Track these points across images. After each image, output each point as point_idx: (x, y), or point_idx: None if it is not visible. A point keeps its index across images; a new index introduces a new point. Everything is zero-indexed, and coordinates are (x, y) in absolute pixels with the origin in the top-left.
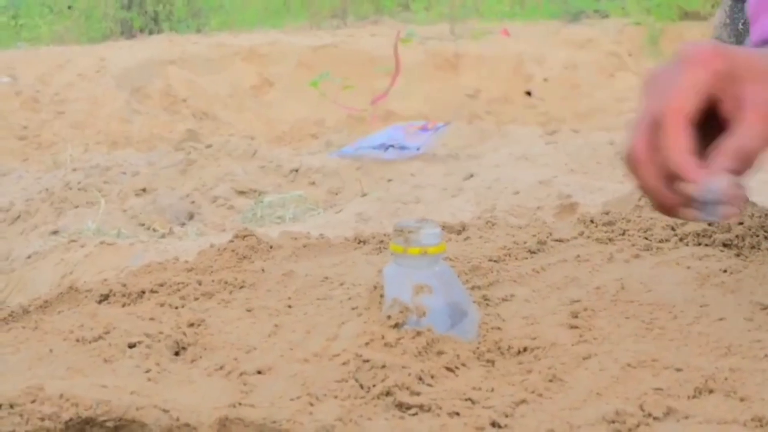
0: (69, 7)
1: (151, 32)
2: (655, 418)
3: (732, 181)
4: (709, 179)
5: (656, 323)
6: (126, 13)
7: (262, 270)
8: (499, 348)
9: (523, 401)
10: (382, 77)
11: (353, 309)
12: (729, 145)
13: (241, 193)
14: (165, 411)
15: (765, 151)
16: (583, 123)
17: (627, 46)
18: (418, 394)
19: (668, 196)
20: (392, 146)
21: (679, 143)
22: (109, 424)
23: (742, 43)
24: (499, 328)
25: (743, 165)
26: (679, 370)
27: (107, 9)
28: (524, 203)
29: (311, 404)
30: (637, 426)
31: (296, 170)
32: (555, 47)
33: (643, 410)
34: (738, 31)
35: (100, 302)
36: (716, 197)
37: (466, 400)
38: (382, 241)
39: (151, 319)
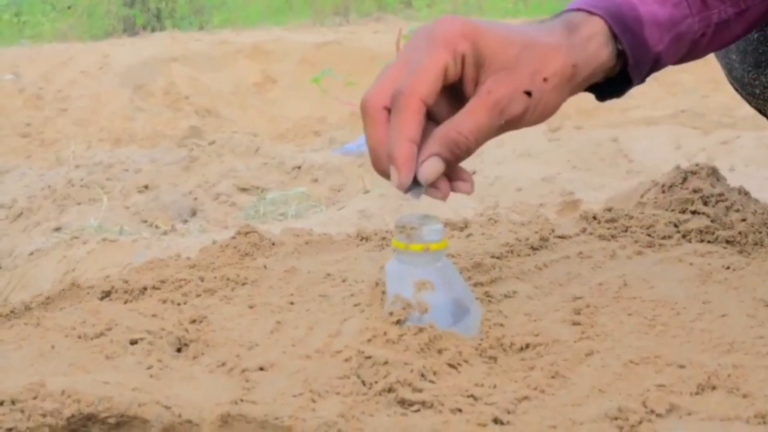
0: (69, 7)
1: (153, 29)
2: (657, 415)
3: (434, 168)
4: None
5: (659, 320)
6: (129, 10)
7: (264, 267)
8: (501, 344)
9: (526, 398)
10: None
11: (355, 305)
12: (440, 132)
13: (244, 190)
14: (167, 407)
15: (481, 143)
16: (586, 120)
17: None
18: (420, 390)
19: (383, 162)
20: None
21: (405, 130)
22: (111, 420)
23: (745, 41)
24: (501, 325)
25: (453, 154)
26: (681, 366)
27: (110, 6)
28: (527, 200)
29: (313, 401)
30: (640, 422)
31: (299, 167)
32: None
33: (645, 407)
34: None
35: (102, 299)
36: (418, 188)
37: (468, 396)
38: (384, 238)
39: (153, 315)
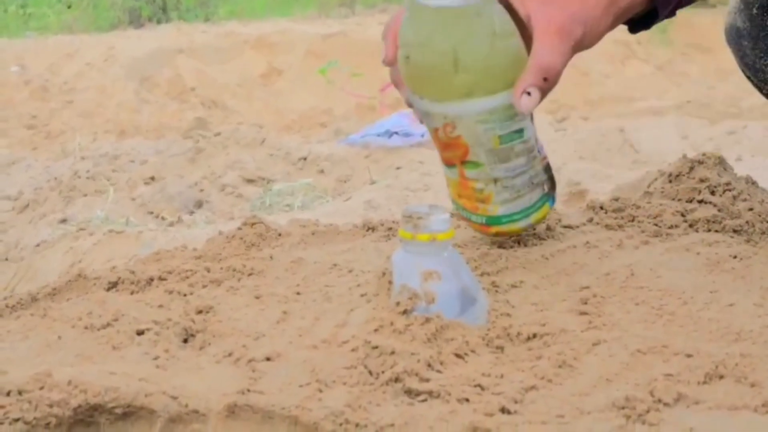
0: (69, 7)
1: (159, 21)
2: (665, 404)
3: (533, 99)
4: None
5: (666, 309)
6: (134, 2)
7: (271, 257)
8: (508, 334)
9: (533, 387)
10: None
11: (362, 296)
12: (530, 64)
13: (250, 181)
14: (173, 398)
15: (563, 66)
16: (592, 111)
17: (637, 35)
18: (427, 380)
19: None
20: (396, 133)
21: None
22: (118, 410)
23: (757, 27)
24: (508, 315)
25: (545, 82)
26: (689, 355)
27: None
28: None
29: (320, 390)
30: (647, 412)
31: (305, 158)
32: None
33: (653, 396)
34: (752, 15)
35: (108, 290)
36: None
37: (475, 386)
38: (390, 228)
39: (160, 306)
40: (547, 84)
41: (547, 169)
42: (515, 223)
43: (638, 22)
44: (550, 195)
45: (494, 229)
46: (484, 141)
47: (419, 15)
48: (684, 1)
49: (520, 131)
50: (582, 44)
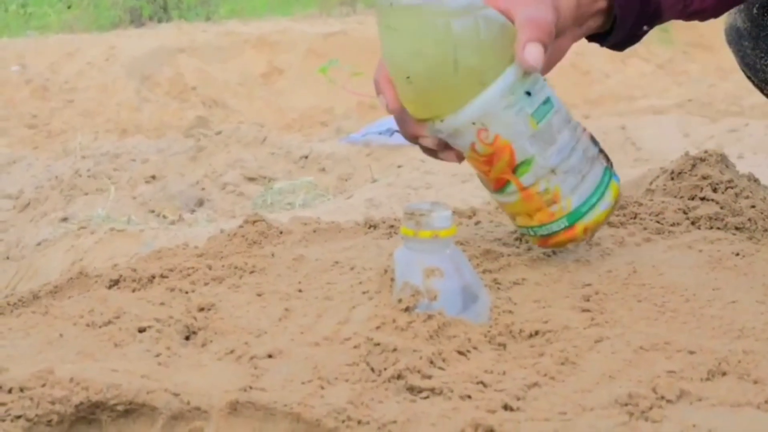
0: (69, 7)
1: (160, 20)
2: (668, 401)
3: (537, 51)
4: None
5: (668, 306)
6: (135, 1)
7: (272, 255)
8: (510, 331)
9: (535, 384)
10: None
11: (364, 293)
12: (519, 24)
13: (251, 179)
14: (175, 395)
15: (551, 16)
16: (593, 109)
17: None
18: (429, 377)
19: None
20: (398, 131)
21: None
22: (120, 408)
23: (757, 27)
24: (510, 312)
25: (541, 31)
26: (692, 352)
27: None
28: None
29: (322, 387)
30: (650, 409)
31: (306, 157)
32: None
33: (656, 393)
34: (753, 15)
35: (110, 287)
36: None
37: (477, 383)
38: (392, 226)
39: (161, 303)
40: (542, 34)
41: (594, 141)
42: (595, 209)
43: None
44: (611, 169)
45: (581, 226)
46: (521, 128)
47: (401, 27)
48: (650, 16)
49: (548, 101)
50: (557, 25)
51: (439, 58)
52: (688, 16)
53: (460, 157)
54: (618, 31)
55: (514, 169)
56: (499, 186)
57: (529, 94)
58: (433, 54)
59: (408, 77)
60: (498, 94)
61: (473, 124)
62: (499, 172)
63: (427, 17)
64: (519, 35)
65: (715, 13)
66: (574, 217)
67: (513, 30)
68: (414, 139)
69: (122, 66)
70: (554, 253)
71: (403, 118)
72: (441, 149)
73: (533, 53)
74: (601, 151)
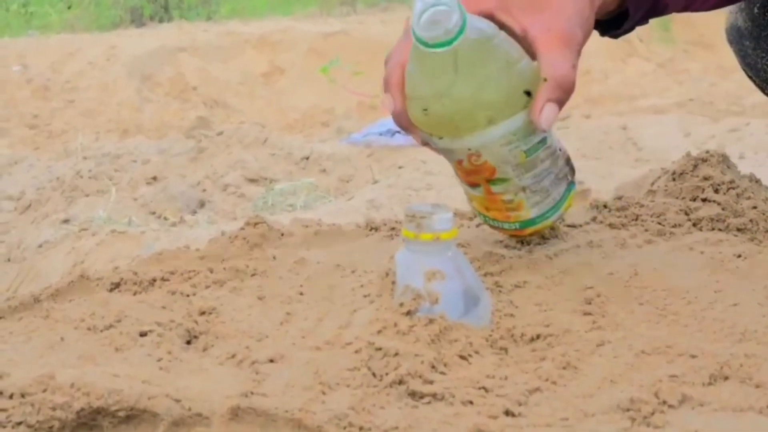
0: (69, 8)
1: (161, 20)
2: (670, 406)
3: (552, 113)
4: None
5: (670, 309)
6: (136, 1)
7: (274, 257)
8: (512, 335)
9: (537, 389)
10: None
11: (365, 296)
12: (545, 82)
13: (252, 181)
14: (177, 401)
15: (575, 70)
16: (594, 109)
17: (638, 32)
18: (431, 382)
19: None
20: (399, 132)
21: (401, 57)
22: (121, 413)
23: (758, 27)
24: (512, 315)
25: (563, 93)
26: (693, 356)
27: None
28: None
29: (323, 393)
30: (652, 413)
31: (307, 158)
32: None
33: (657, 397)
34: (754, 15)
35: (111, 290)
36: None
37: (479, 388)
38: (393, 228)
39: (163, 307)
40: (562, 94)
41: (568, 160)
42: (548, 220)
43: (609, 24)
44: (572, 182)
45: (528, 231)
46: (510, 159)
47: (431, 64)
48: (657, 10)
49: (543, 140)
50: (583, 46)
51: (464, 101)
52: (686, 9)
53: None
54: (626, 24)
55: (489, 180)
56: (470, 185)
57: (529, 135)
58: (459, 97)
59: (425, 110)
60: (501, 134)
61: (468, 149)
62: (475, 179)
63: (461, 81)
64: (542, 92)
65: (713, 8)
66: (526, 224)
67: (537, 78)
68: (404, 130)
69: (123, 66)
70: (556, 255)
71: (401, 117)
72: (424, 145)
73: (548, 117)
74: (571, 168)
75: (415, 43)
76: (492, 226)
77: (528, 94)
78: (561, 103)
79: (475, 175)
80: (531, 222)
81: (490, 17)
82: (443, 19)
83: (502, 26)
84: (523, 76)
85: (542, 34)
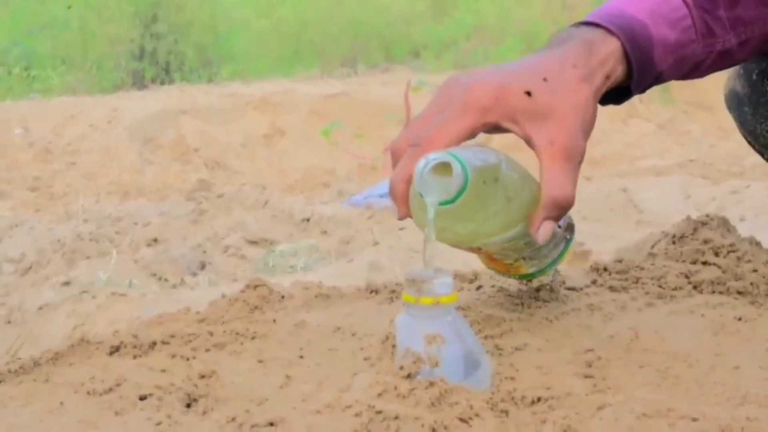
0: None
1: (162, 82)
2: None
3: (549, 230)
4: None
5: (671, 372)
6: (138, 63)
7: (274, 320)
8: (512, 398)
9: None
10: (393, 125)
11: (365, 359)
12: (543, 199)
13: (253, 242)
14: None
15: (574, 187)
16: (595, 170)
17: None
18: None
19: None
20: None
21: (404, 172)
22: None
23: (757, 93)
24: (512, 378)
25: (561, 210)
26: (695, 419)
27: (119, 60)
28: None
29: None
30: None
31: (308, 219)
32: None
33: None
34: (752, 81)
35: (111, 354)
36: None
37: None
38: (394, 291)
39: (163, 370)
40: (561, 213)
41: (568, 226)
42: (546, 273)
43: (609, 95)
44: (571, 238)
45: (525, 280)
46: (510, 252)
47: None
48: (656, 82)
49: None
50: (585, 148)
51: (465, 236)
52: (683, 78)
53: None
54: (626, 99)
55: (490, 256)
56: (470, 250)
57: (527, 236)
58: (460, 233)
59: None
60: (501, 240)
61: (469, 247)
62: (475, 253)
63: (461, 209)
64: (541, 210)
65: (706, 75)
66: (526, 277)
67: (537, 197)
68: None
69: (125, 128)
70: (556, 318)
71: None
72: None
73: (545, 233)
74: (570, 226)
75: (416, 193)
76: (489, 268)
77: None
78: (558, 219)
79: (476, 253)
80: (530, 276)
81: (496, 127)
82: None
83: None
84: (523, 205)
85: (546, 146)
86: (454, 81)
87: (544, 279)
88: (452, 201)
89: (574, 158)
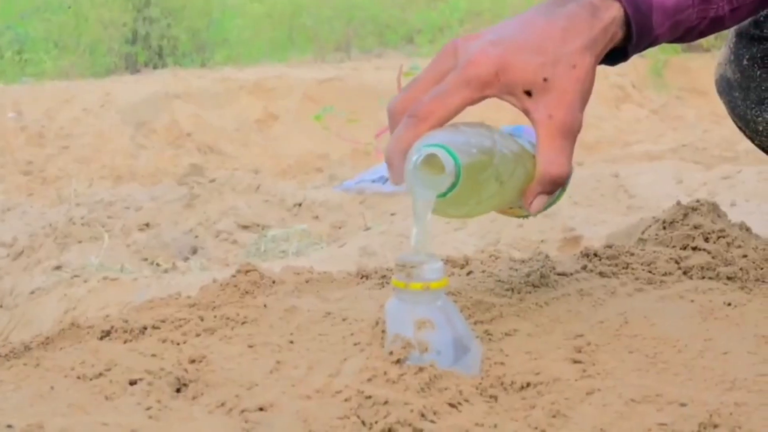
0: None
1: (155, 67)
2: None
3: (542, 203)
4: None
5: (660, 357)
6: (130, 48)
7: (265, 305)
8: (502, 383)
9: None
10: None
11: (355, 345)
12: (538, 174)
13: (245, 227)
14: None
15: (570, 162)
16: (587, 155)
17: (631, 78)
18: (420, 430)
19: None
20: None
21: (402, 143)
22: None
23: (747, 79)
24: (502, 363)
25: (555, 186)
26: (683, 404)
27: (112, 44)
28: (528, 236)
29: None
30: None
31: (300, 204)
32: None
33: None
34: (743, 66)
35: (101, 338)
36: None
37: None
38: (384, 276)
39: (153, 355)
40: (555, 189)
41: None
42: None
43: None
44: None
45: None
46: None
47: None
48: (653, 44)
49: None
50: (581, 121)
51: (459, 214)
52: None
53: None
54: (621, 61)
55: None
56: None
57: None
58: (454, 214)
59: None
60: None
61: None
62: None
63: (448, 200)
64: (535, 185)
65: (699, 38)
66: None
67: (529, 175)
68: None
69: (118, 112)
70: (546, 304)
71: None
72: None
73: (538, 206)
74: None
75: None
76: None
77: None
78: (552, 193)
79: None
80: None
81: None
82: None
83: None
84: (517, 184)
85: (544, 121)
86: (453, 48)
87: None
88: (444, 195)
89: (572, 133)
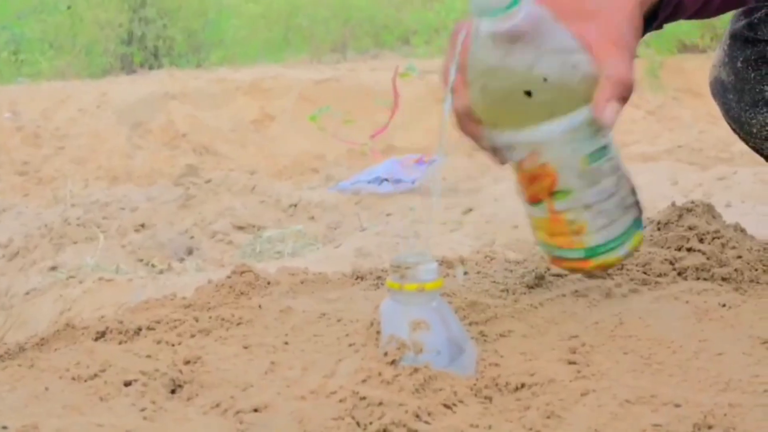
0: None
1: (151, 67)
2: None
3: (615, 111)
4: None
5: (655, 358)
6: (126, 48)
7: (260, 306)
8: (496, 384)
9: None
10: (382, 111)
11: (350, 346)
12: (605, 77)
13: (240, 228)
14: None
15: (633, 73)
16: None
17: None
18: (415, 431)
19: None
20: (386, 180)
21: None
22: None
23: (742, 81)
24: (496, 364)
25: (624, 89)
26: (677, 405)
27: (108, 44)
28: (523, 237)
29: None
30: None
31: (295, 205)
32: None
33: None
34: (737, 69)
35: (96, 339)
36: None
37: None
38: (379, 277)
39: (148, 356)
40: (625, 92)
41: (634, 191)
42: (613, 252)
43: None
44: (640, 220)
45: (592, 263)
46: (572, 163)
47: (488, 43)
48: (674, 16)
49: (606, 148)
50: (635, 51)
51: (518, 77)
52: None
53: (502, 162)
54: (650, 29)
55: (552, 194)
56: (532, 201)
57: (590, 137)
58: (514, 72)
59: (483, 87)
60: (562, 129)
61: (529, 145)
62: (537, 191)
63: (518, 52)
64: (604, 89)
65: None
66: (591, 252)
67: (595, 75)
68: (468, 136)
69: (114, 113)
70: (541, 305)
71: (465, 116)
72: (488, 151)
73: (611, 112)
74: (638, 202)
75: (473, 16)
76: (555, 259)
77: (585, 90)
78: (622, 102)
79: (537, 182)
80: (594, 251)
81: None
82: None
83: None
84: (579, 68)
85: (598, 39)
86: None
87: (614, 261)
88: (508, 7)
89: (626, 49)
